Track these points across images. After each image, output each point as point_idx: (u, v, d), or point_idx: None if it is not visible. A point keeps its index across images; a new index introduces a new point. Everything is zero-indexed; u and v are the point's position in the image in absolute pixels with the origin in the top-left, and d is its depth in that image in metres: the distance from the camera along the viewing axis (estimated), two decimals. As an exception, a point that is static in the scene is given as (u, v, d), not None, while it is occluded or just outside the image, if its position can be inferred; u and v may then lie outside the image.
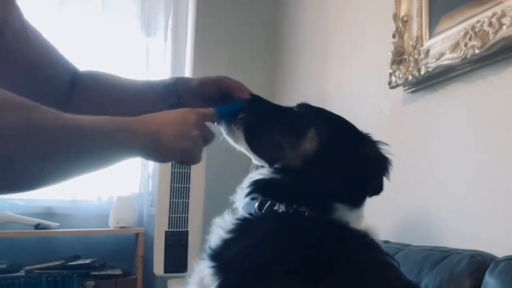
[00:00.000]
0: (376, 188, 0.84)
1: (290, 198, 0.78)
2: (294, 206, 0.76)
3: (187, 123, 0.73)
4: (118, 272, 2.31)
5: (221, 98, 0.87)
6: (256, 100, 0.88)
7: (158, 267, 2.21)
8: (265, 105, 0.90)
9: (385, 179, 0.85)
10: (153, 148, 0.70)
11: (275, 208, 0.77)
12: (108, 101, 0.90)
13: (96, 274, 2.23)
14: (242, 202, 0.82)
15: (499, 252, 1.08)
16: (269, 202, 0.77)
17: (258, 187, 0.81)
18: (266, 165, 0.85)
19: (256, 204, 0.78)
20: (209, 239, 0.78)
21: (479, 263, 1.05)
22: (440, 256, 1.14)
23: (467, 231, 1.32)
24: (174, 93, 0.88)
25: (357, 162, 0.81)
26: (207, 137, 0.78)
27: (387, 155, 0.86)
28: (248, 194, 0.81)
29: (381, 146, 0.87)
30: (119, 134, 0.67)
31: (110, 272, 2.29)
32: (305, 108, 0.90)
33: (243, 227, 0.76)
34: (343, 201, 0.80)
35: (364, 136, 0.88)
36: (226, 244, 0.74)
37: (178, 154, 0.73)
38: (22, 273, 2.13)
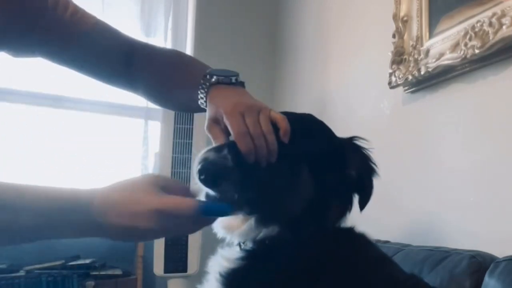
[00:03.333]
0: (371, 192, 0.81)
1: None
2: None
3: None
4: (118, 272, 2.31)
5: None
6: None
7: (158, 267, 2.21)
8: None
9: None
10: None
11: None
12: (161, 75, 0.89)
13: (96, 274, 2.23)
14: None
15: (499, 252, 1.08)
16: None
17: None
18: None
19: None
20: (212, 266, 0.77)
21: (480, 264, 1.05)
22: (440, 257, 1.14)
23: (467, 231, 1.32)
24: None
25: (345, 181, 0.78)
26: (177, 229, 0.68)
27: (369, 156, 0.81)
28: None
29: (360, 144, 0.81)
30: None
31: (110, 272, 2.29)
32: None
33: (254, 255, 0.74)
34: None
35: (342, 143, 0.81)
36: (241, 272, 0.72)
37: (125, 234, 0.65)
38: (22, 273, 2.13)
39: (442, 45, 1.44)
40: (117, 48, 0.90)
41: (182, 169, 2.24)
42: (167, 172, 2.21)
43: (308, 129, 0.79)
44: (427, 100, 1.55)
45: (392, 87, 1.65)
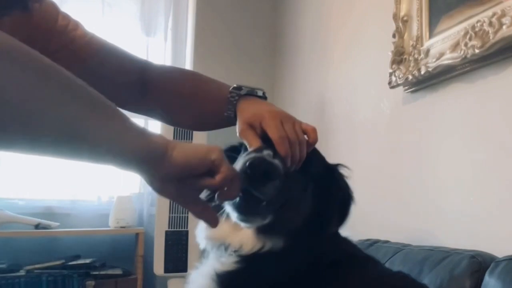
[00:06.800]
0: (346, 217, 0.85)
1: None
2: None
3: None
4: (118, 272, 2.32)
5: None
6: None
7: (158, 267, 2.21)
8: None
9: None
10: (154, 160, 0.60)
11: None
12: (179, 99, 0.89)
13: (96, 274, 2.23)
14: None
15: (499, 252, 1.08)
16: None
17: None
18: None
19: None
20: (201, 271, 0.78)
21: (480, 264, 1.05)
22: (440, 256, 1.14)
23: (467, 231, 1.32)
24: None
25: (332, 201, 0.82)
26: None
27: (349, 186, 0.86)
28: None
29: (343, 172, 0.86)
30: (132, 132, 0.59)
31: (110, 272, 2.29)
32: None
33: (252, 259, 0.74)
34: None
35: (331, 168, 0.86)
36: (239, 274, 0.73)
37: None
38: (22, 273, 2.13)
39: (442, 45, 1.44)
40: (128, 68, 0.90)
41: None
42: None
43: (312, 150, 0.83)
44: (427, 100, 1.55)
45: (392, 87, 1.65)
